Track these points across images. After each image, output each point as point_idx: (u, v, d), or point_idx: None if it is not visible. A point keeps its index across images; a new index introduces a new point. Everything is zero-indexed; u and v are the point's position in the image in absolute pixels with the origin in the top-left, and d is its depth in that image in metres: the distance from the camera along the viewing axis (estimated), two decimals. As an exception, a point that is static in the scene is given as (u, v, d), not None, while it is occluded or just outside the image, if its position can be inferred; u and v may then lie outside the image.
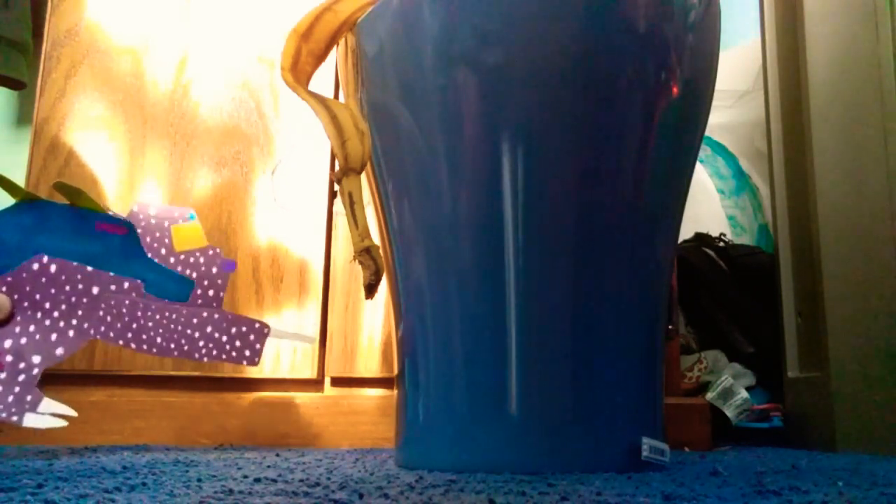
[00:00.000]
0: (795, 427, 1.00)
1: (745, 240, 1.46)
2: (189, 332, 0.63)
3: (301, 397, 0.94)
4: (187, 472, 0.59)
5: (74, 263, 0.56)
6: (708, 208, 1.50)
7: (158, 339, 0.62)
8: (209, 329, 0.62)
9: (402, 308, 0.69)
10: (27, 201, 0.54)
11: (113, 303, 0.58)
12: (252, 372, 0.94)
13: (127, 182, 1.00)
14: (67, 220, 0.55)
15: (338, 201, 0.99)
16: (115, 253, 0.56)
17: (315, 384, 0.96)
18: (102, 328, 0.59)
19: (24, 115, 1.42)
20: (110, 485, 0.49)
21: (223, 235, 0.98)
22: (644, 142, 0.64)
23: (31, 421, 0.61)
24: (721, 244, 1.33)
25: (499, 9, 0.62)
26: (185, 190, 0.99)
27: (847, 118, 0.92)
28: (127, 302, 0.58)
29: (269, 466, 0.64)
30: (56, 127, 1.01)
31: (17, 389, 0.60)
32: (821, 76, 0.94)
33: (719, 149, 1.53)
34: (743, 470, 0.63)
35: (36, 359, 0.61)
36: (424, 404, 0.66)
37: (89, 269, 0.56)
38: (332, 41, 0.72)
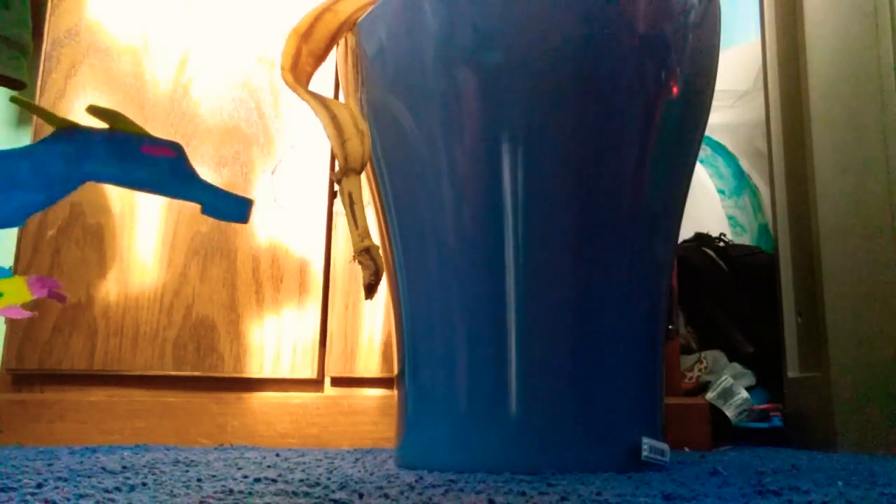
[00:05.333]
0: (795, 427, 1.00)
1: (745, 240, 1.46)
2: None
3: (301, 397, 0.94)
4: (187, 472, 0.59)
5: None
6: (708, 208, 1.50)
7: None
8: None
9: (402, 308, 0.69)
10: (67, 129, 0.51)
11: None
12: (252, 372, 0.95)
13: (127, 182, 1.00)
14: (111, 146, 0.52)
15: (338, 201, 0.99)
16: (164, 176, 0.54)
17: (315, 384, 0.96)
18: None
19: (24, 115, 1.42)
20: (110, 485, 0.49)
21: (223, 235, 0.98)
22: (644, 142, 0.64)
23: None
24: (721, 244, 1.33)
25: (499, 9, 0.62)
26: (185, 190, 0.99)
27: (847, 118, 0.92)
28: None
29: (269, 466, 0.64)
30: (56, 127, 1.01)
31: None
32: (821, 76, 0.94)
33: (719, 149, 1.53)
34: (743, 470, 0.63)
35: None
36: (424, 404, 0.66)
37: None
38: (332, 41, 0.72)
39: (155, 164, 0.53)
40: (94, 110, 0.50)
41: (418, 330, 0.67)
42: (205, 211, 0.53)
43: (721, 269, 1.27)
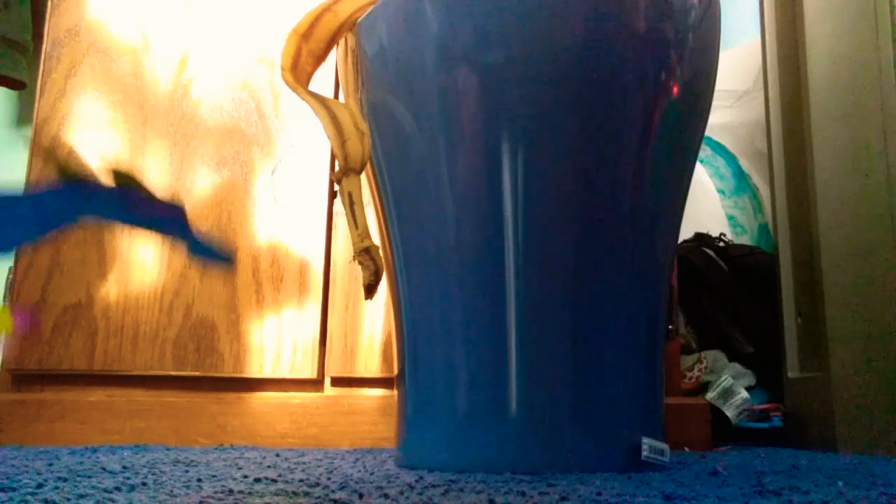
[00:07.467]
0: (795, 427, 1.00)
1: (745, 240, 1.46)
2: None
3: (301, 397, 0.94)
4: (187, 472, 0.59)
5: None
6: (708, 208, 1.50)
7: None
8: None
9: (402, 308, 0.69)
10: (75, 179, 0.54)
11: None
12: (252, 372, 0.95)
13: (127, 182, 1.00)
14: (113, 199, 0.55)
15: (338, 201, 0.99)
16: (160, 222, 0.57)
17: (315, 384, 0.96)
18: None
19: (24, 115, 1.42)
20: (110, 485, 0.49)
21: (223, 235, 0.98)
22: (644, 142, 0.64)
23: None
24: (721, 244, 1.33)
25: (499, 9, 0.62)
26: (185, 190, 0.99)
27: (847, 118, 0.92)
28: None
29: (269, 466, 0.64)
30: (56, 127, 1.01)
31: None
32: (821, 76, 0.94)
33: (719, 149, 1.53)
34: (743, 470, 0.63)
35: None
36: (425, 404, 0.66)
37: None
38: (332, 41, 0.72)
39: (153, 215, 0.56)
40: (113, 172, 0.53)
41: (418, 330, 0.67)
42: (192, 251, 0.56)
43: (721, 269, 1.27)
